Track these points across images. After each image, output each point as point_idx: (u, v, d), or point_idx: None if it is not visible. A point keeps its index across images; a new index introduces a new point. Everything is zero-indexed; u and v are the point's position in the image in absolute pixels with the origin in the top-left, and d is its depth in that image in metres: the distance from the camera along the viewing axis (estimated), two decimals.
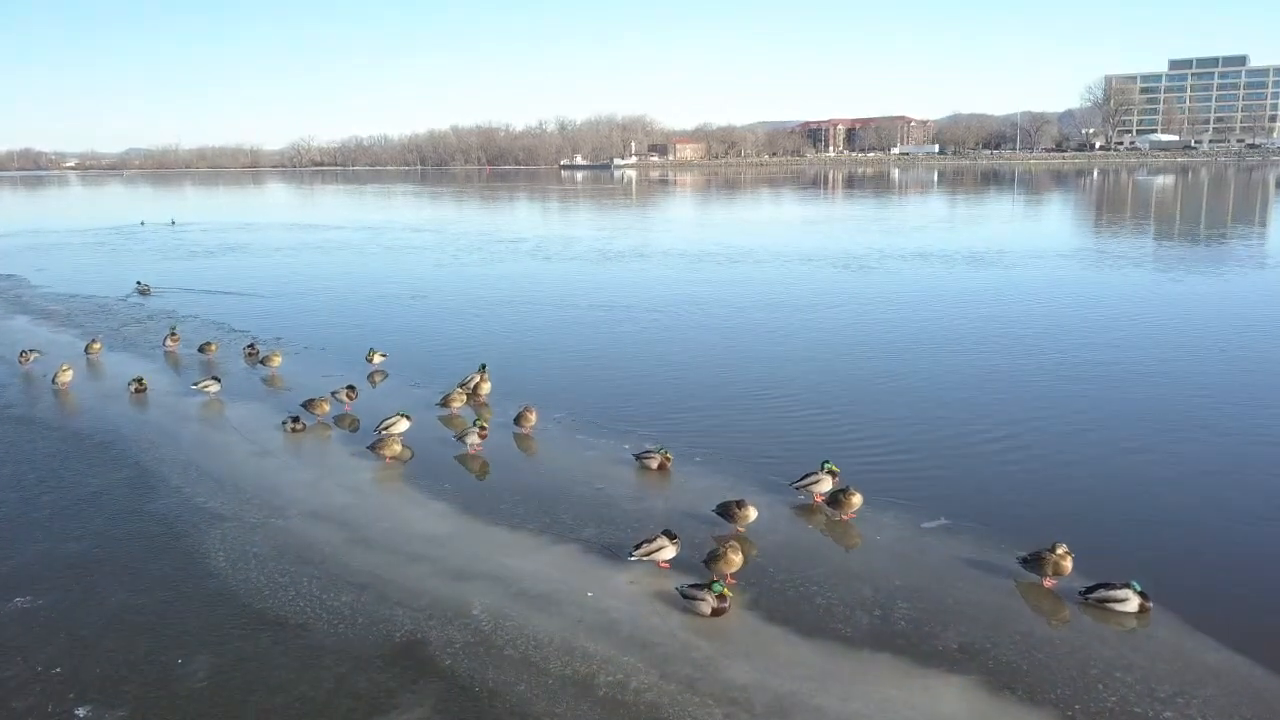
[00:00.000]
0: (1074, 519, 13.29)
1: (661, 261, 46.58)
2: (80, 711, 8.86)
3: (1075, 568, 11.08)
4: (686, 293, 35.98)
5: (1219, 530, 12.97)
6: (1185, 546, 12.52)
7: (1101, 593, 10.72)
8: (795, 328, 28.82)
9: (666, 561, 11.72)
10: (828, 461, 14.20)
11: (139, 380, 21.66)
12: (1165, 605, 10.54)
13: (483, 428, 16.89)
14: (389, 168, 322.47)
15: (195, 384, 21.38)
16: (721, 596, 10.51)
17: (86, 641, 10.24)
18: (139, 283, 39.69)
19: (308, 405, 19.13)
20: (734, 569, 11.34)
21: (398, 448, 16.37)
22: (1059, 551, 11.08)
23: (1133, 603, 10.50)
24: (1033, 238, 55.54)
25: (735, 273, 41.66)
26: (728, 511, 12.91)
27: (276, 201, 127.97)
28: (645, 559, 11.66)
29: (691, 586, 10.80)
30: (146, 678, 9.46)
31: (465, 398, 19.95)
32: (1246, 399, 19.57)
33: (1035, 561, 11.20)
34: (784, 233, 62.87)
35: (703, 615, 10.52)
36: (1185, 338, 25.99)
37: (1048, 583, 11.15)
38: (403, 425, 17.35)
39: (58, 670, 9.64)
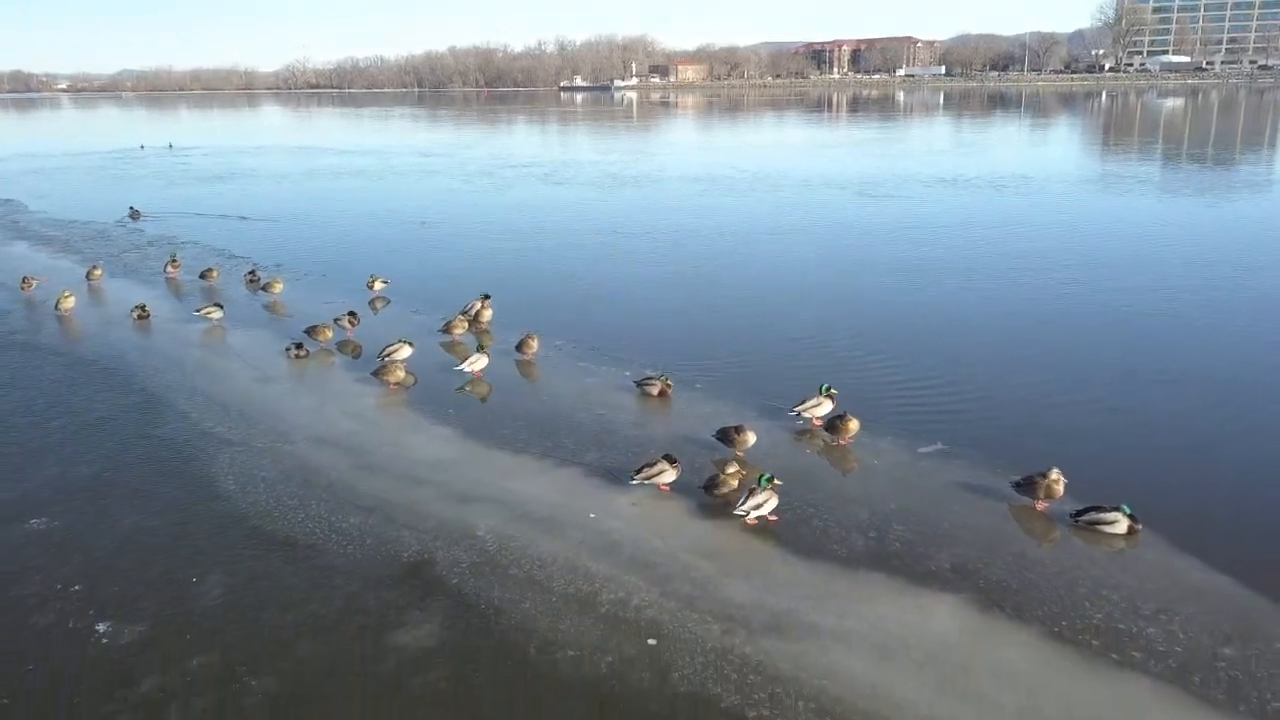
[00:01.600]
0: (1068, 444, 13.49)
1: (665, 186, 46.25)
2: (100, 627, 9.16)
3: (1067, 491, 11.31)
4: (690, 218, 35.81)
5: (1212, 456, 13.18)
6: (1178, 471, 12.74)
7: (1092, 515, 10.96)
8: (798, 254, 28.77)
9: (667, 485, 11.95)
10: (826, 385, 14.36)
11: (141, 307, 21.75)
12: (1154, 528, 10.78)
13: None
14: (386, 90, 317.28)
15: (198, 310, 21.48)
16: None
17: (102, 561, 10.52)
18: (131, 208, 39.46)
19: (310, 332, 19.25)
20: (729, 488, 11.57)
21: (401, 374, 16.53)
22: (1051, 476, 11.30)
23: (1122, 525, 10.75)
24: (1037, 163, 54.97)
25: (740, 199, 41.39)
26: (727, 436, 13.11)
27: (274, 125, 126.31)
28: (646, 482, 11.89)
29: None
30: (162, 596, 9.75)
31: (467, 325, 20.05)
32: (1249, 326, 19.66)
33: (1027, 485, 11.42)
34: (790, 157, 62.24)
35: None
36: (1187, 265, 25.96)
37: (1039, 506, 11.39)
38: (405, 351, 17.49)
39: (76, 588, 9.93)
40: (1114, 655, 8.49)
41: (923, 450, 13.33)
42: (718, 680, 8.21)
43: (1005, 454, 13.06)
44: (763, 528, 11.05)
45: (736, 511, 11.16)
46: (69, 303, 22.39)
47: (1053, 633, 8.87)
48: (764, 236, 31.66)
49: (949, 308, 21.84)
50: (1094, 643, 8.69)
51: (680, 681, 8.21)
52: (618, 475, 12.39)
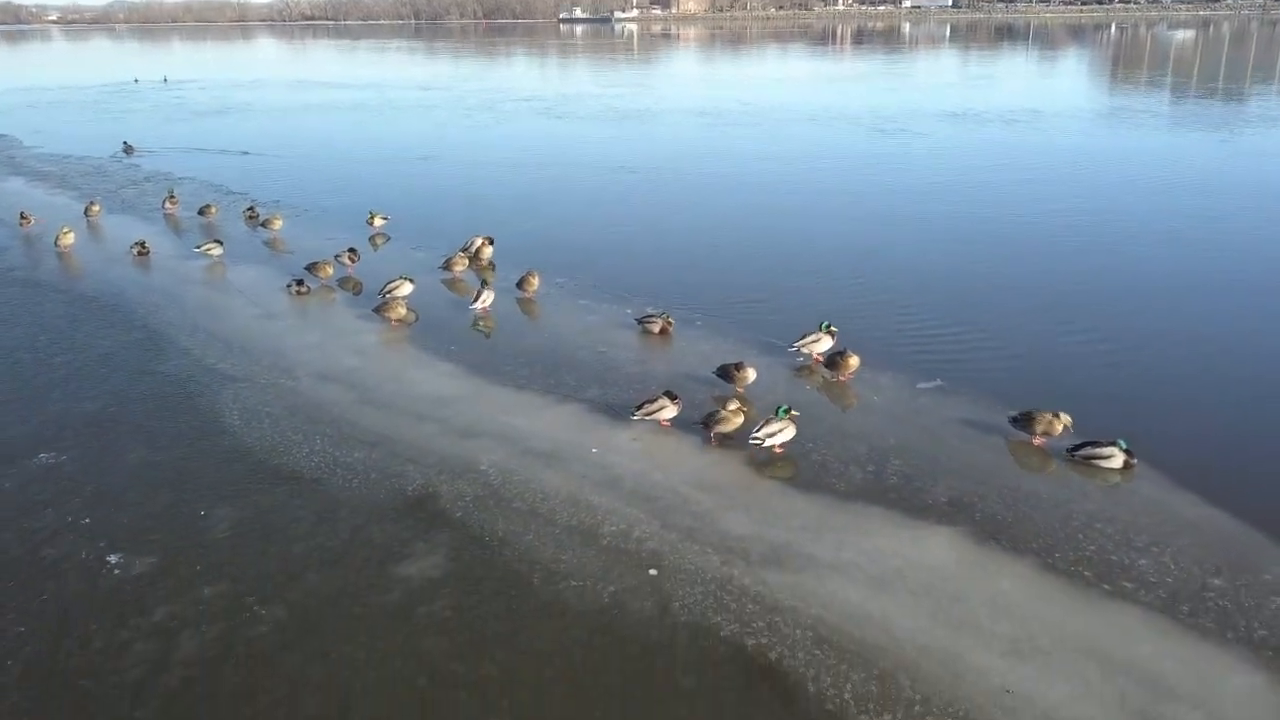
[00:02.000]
0: (1067, 381, 13.59)
1: (667, 121, 45.76)
2: (111, 559, 9.34)
3: (1064, 428, 11.41)
4: (693, 154, 35.51)
5: (1212, 392, 13.27)
6: (1176, 407, 12.83)
7: (1088, 450, 11.08)
8: (803, 192, 28.58)
9: (668, 420, 12.06)
10: (826, 322, 14.40)
11: (141, 243, 21.69)
12: (1151, 463, 10.91)
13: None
14: (381, 23, 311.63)
15: (197, 247, 21.42)
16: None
17: (111, 495, 10.67)
18: (125, 143, 39.09)
19: (311, 268, 19.22)
20: (733, 428, 11.68)
21: (402, 310, 16.56)
22: (1050, 414, 11.36)
23: (1117, 459, 10.87)
24: (1047, 97, 54.25)
25: (744, 133, 40.98)
26: (727, 373, 13.18)
27: (269, 58, 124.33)
28: (647, 418, 12.00)
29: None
30: (171, 528, 9.92)
31: (467, 261, 20.02)
32: (1255, 261, 19.64)
33: (1026, 420, 11.52)
34: (795, 91, 61.44)
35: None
36: (1197, 204, 25.81)
37: (1037, 441, 11.50)
38: (406, 288, 17.50)
39: (86, 521, 10.09)
40: (1106, 586, 8.66)
41: (922, 386, 13.42)
42: (717, 609, 8.39)
43: (1004, 391, 13.15)
44: (765, 462, 11.18)
45: (751, 439, 11.32)
46: (68, 239, 22.33)
47: (1046, 564, 9.04)
48: (768, 174, 31.41)
49: (955, 246, 21.78)
50: (1086, 574, 8.86)
51: (681, 610, 8.39)
52: (619, 411, 12.50)
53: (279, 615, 8.41)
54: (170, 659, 7.84)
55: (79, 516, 10.18)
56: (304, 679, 7.58)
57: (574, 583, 8.82)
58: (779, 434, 11.32)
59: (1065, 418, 11.38)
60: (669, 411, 11.98)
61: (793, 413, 11.45)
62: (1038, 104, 49.05)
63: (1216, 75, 67.23)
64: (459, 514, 10.10)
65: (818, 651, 7.81)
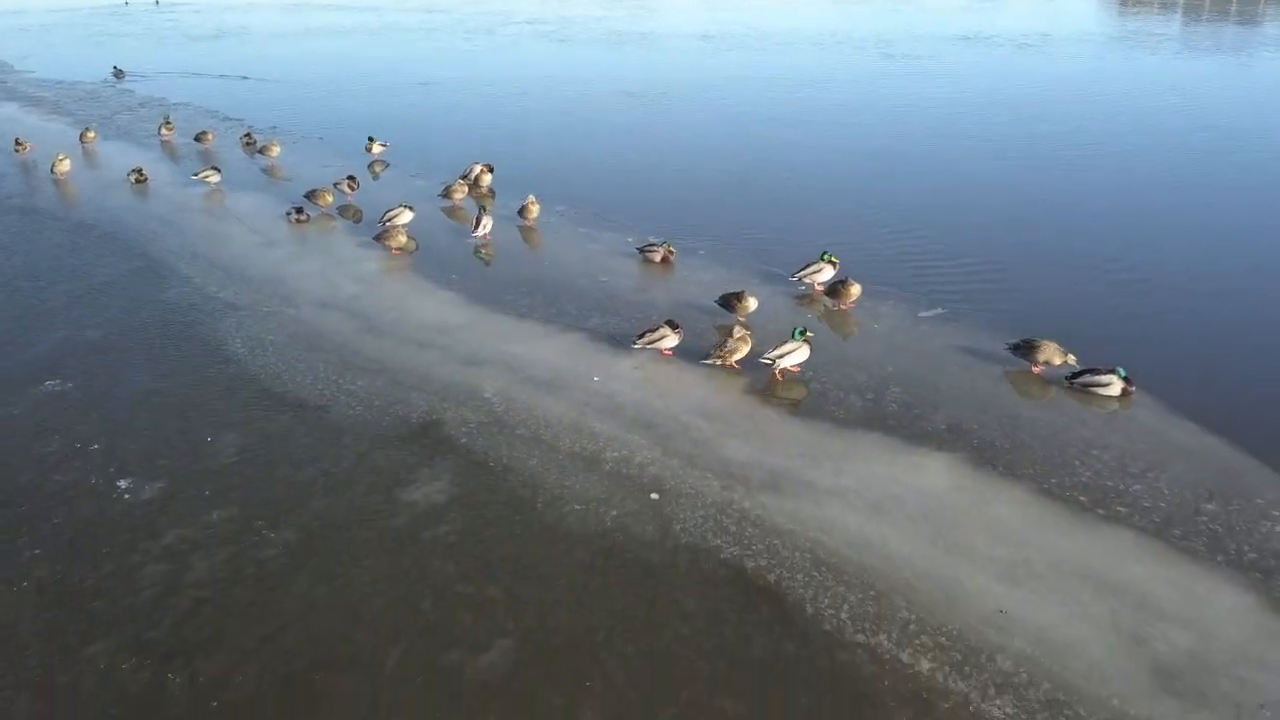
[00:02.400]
0: (1068, 309, 13.60)
1: (672, 45, 44.96)
2: (121, 483, 9.46)
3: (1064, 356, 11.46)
4: (697, 80, 34.98)
5: (1211, 320, 13.28)
6: (1176, 335, 12.86)
7: (1086, 377, 11.14)
8: (807, 119, 28.23)
9: (669, 349, 12.10)
10: (828, 252, 14.35)
11: (138, 170, 21.51)
12: (1149, 391, 10.98)
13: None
14: None
15: (195, 174, 21.24)
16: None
17: (118, 421, 10.77)
18: (115, 68, 38.45)
19: (310, 196, 19.09)
20: (742, 355, 11.74)
21: (403, 239, 16.49)
22: (1052, 344, 11.39)
23: (1115, 386, 10.94)
24: (1058, 19, 53.17)
25: (750, 58, 40.29)
26: (728, 302, 13.18)
27: None
28: (648, 347, 12.04)
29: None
30: (179, 453, 10.04)
31: (466, 189, 19.87)
32: (1265, 191, 19.50)
33: (1027, 348, 11.55)
34: (803, 12, 60.16)
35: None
36: (1206, 127, 25.50)
37: (1037, 369, 11.56)
38: (406, 216, 17.40)
39: (95, 447, 10.20)
40: (1100, 511, 8.79)
41: (923, 315, 13.44)
42: (717, 533, 8.53)
43: (1005, 319, 13.18)
44: (765, 389, 11.26)
45: (763, 359, 11.44)
46: (64, 166, 22.14)
47: (1042, 490, 9.16)
48: (771, 101, 30.97)
49: (960, 173, 21.60)
50: (1081, 499, 8.99)
51: (681, 534, 8.54)
52: (620, 340, 12.53)
53: (287, 539, 8.56)
54: (181, 581, 8.00)
55: (87, 443, 10.29)
56: (313, 600, 7.75)
57: (577, 507, 8.95)
58: (792, 354, 11.45)
59: (1070, 357, 11.39)
60: (670, 340, 12.01)
61: (808, 334, 11.54)
62: (1051, 28, 48.11)
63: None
64: (463, 440, 10.20)
65: (816, 574, 7.97)
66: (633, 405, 10.93)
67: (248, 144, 25.20)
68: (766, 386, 11.34)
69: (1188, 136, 24.63)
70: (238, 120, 28.99)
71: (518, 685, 6.86)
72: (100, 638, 7.37)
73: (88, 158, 24.52)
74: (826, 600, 7.66)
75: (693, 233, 17.16)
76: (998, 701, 6.66)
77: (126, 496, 9.26)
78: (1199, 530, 8.51)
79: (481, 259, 16.32)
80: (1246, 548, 8.27)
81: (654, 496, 9.10)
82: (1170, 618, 7.45)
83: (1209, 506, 8.85)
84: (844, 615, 7.49)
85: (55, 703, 6.78)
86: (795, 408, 10.88)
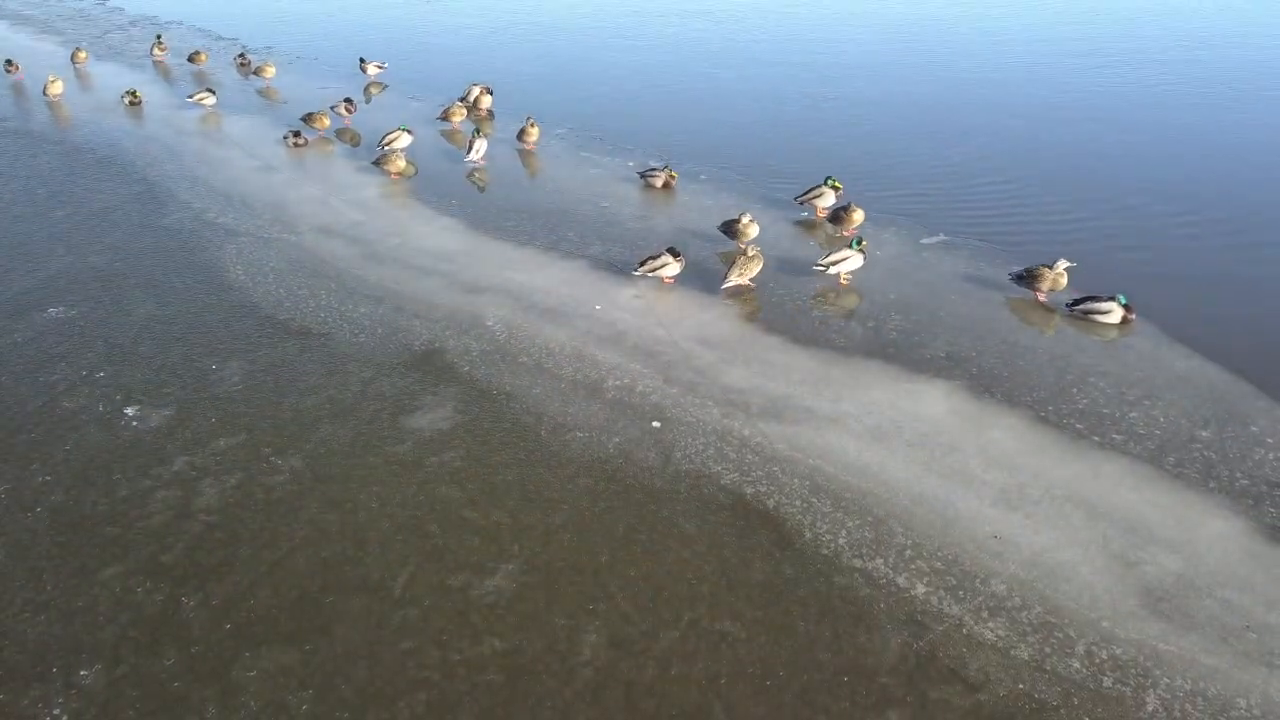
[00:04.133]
0: (1070, 236, 13.56)
1: None
2: (129, 411, 9.57)
3: (1067, 283, 11.47)
4: (702, 2, 34.18)
5: (1213, 246, 13.25)
6: (1177, 263, 12.84)
7: (1087, 305, 11.16)
8: (810, 40, 27.68)
9: (671, 277, 12.10)
10: (831, 177, 14.24)
11: (133, 92, 21.19)
12: (1149, 318, 11.02)
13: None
14: None
15: (190, 96, 20.95)
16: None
17: (123, 349, 10.84)
18: None
19: (307, 119, 18.86)
20: (753, 274, 11.79)
21: (402, 163, 16.35)
22: (1059, 269, 11.38)
23: (1116, 314, 10.97)
24: None
25: None
26: (730, 228, 13.13)
27: None
28: (650, 275, 12.04)
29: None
30: (185, 381, 10.13)
31: (465, 111, 19.61)
32: (1265, 114, 19.24)
33: (1030, 277, 11.54)
34: None
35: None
36: (1225, 54, 25.02)
37: (1040, 297, 11.57)
38: (405, 140, 17.22)
39: (100, 375, 10.29)
40: (1095, 438, 8.91)
41: (925, 242, 13.41)
42: (718, 459, 8.66)
43: (1006, 246, 13.17)
44: (761, 317, 11.31)
45: (816, 265, 11.83)
46: (57, 88, 21.81)
47: (1039, 417, 9.27)
48: (775, 20, 30.33)
49: (965, 98, 21.29)
50: (1078, 426, 9.10)
51: (683, 460, 8.67)
52: (621, 268, 12.53)
53: (295, 465, 8.70)
54: (192, 506, 8.16)
55: (93, 370, 10.37)
56: (321, 525, 7.91)
57: (580, 434, 9.07)
58: (845, 262, 11.66)
59: (1062, 263, 11.42)
60: (672, 268, 12.00)
61: (864, 244, 11.72)
62: None
63: None
64: (466, 368, 10.28)
65: (814, 500, 8.12)
66: (634, 333, 10.99)
67: (242, 65, 24.79)
68: (767, 315, 11.37)
69: (1210, 54, 24.19)
70: (231, 40, 28.48)
71: (522, 607, 7.06)
72: (115, 561, 7.55)
73: (80, 79, 24.14)
74: (825, 526, 7.82)
75: (694, 156, 17.01)
76: (990, 624, 6.85)
77: (135, 424, 9.37)
78: (1193, 457, 8.64)
79: (476, 184, 16.19)
80: (1239, 474, 8.40)
81: (655, 424, 9.21)
82: (1160, 542, 7.62)
83: (1203, 434, 8.97)
84: (841, 540, 7.66)
85: (73, 624, 6.98)
86: (797, 335, 10.92)
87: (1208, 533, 7.70)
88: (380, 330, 11.11)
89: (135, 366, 10.45)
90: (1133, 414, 9.31)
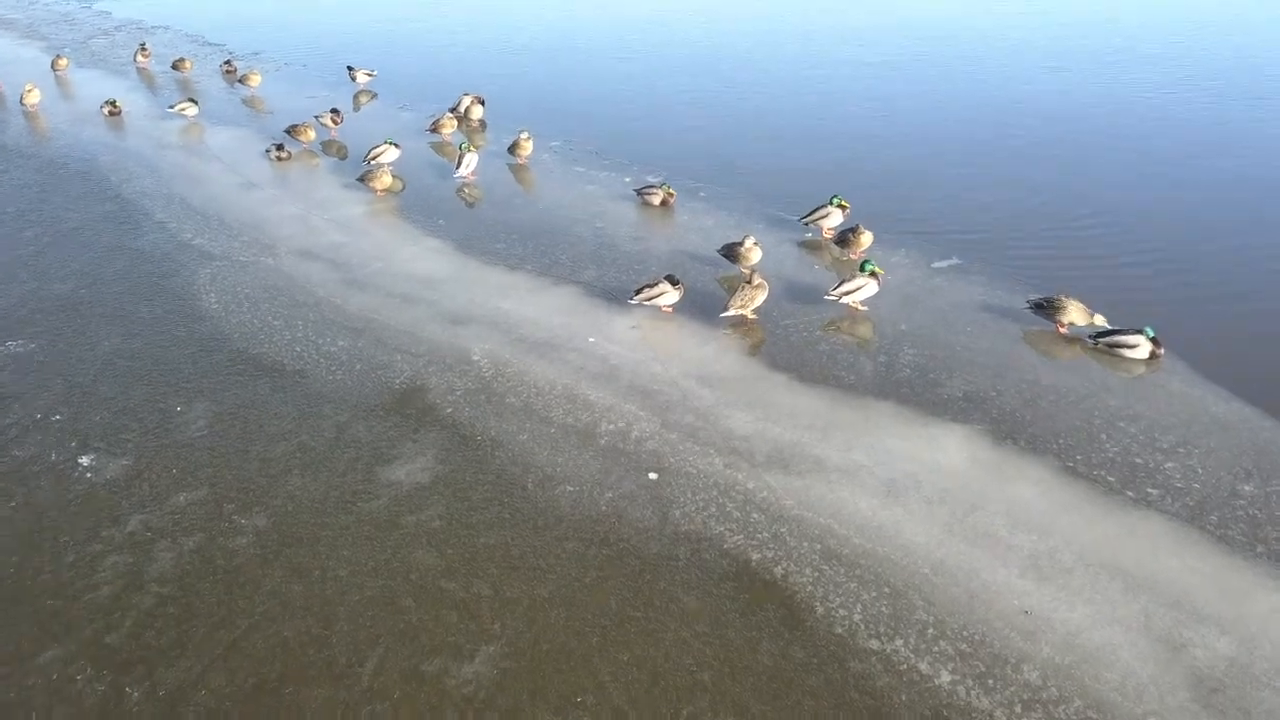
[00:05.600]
0: (1089, 261, 12.86)
1: None
2: (84, 460, 8.87)
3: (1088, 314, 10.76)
4: (701, 13, 33.46)
5: (1243, 275, 12.53)
6: (1206, 291, 12.11)
7: (1113, 337, 10.46)
8: (813, 55, 26.99)
9: (669, 306, 11.40)
10: (837, 195, 13.55)
11: (112, 102, 20.50)
12: (1178, 352, 10.32)
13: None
14: None
15: (172, 106, 20.24)
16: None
17: (83, 388, 10.13)
18: None
19: (291, 131, 18.16)
20: (756, 304, 11.09)
21: (388, 179, 15.64)
22: (1076, 301, 10.68)
23: (1143, 348, 10.26)
24: None
25: None
26: (731, 252, 12.42)
27: None
28: (646, 303, 11.33)
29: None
30: (146, 425, 9.41)
31: (456, 123, 18.91)
32: None
33: (1050, 308, 10.83)
34: None
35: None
36: (1245, 65, 24.33)
37: (1061, 329, 10.86)
38: (392, 154, 16.53)
39: (57, 418, 9.58)
40: (1129, 493, 8.20)
41: (937, 265, 12.72)
42: (720, 518, 7.95)
43: (1022, 271, 12.48)
44: (771, 351, 10.60)
45: (828, 295, 11.13)
46: (34, 97, 21.11)
47: (1067, 468, 8.56)
48: (781, 34, 29.62)
49: (975, 112, 20.59)
50: (1109, 479, 8.39)
51: (682, 519, 7.96)
52: (617, 295, 11.83)
53: (259, 524, 7.99)
54: (144, 574, 7.45)
55: (49, 413, 9.66)
56: (285, 598, 7.20)
57: (570, 488, 8.36)
58: (859, 290, 10.97)
59: (1098, 318, 10.67)
60: (670, 297, 11.29)
61: (876, 270, 10.98)
62: None
63: None
64: (449, 410, 9.57)
65: (826, 567, 7.41)
66: (630, 369, 10.28)
67: (228, 72, 24.08)
68: (771, 348, 10.67)
69: (1220, 84, 23.50)
70: (218, 45, 27.77)
71: (504, 700, 6.34)
72: (55, 642, 6.84)
73: (60, 86, 23.45)
74: (838, 599, 7.11)
75: (693, 172, 16.31)
76: None
77: (89, 475, 8.67)
78: (1236, 516, 7.93)
79: (465, 200, 15.48)
80: None
81: (652, 476, 8.51)
82: (1208, 619, 6.91)
83: (1246, 488, 8.26)
84: (857, 617, 6.95)
85: None
86: (803, 372, 10.21)
87: (1259, 608, 6.99)
88: (359, 367, 10.40)
89: (94, 408, 9.74)
90: (1168, 464, 8.60)
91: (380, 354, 10.66)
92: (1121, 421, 9.26)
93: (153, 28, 30.41)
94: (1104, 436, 9.03)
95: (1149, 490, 8.26)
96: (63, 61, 24.68)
